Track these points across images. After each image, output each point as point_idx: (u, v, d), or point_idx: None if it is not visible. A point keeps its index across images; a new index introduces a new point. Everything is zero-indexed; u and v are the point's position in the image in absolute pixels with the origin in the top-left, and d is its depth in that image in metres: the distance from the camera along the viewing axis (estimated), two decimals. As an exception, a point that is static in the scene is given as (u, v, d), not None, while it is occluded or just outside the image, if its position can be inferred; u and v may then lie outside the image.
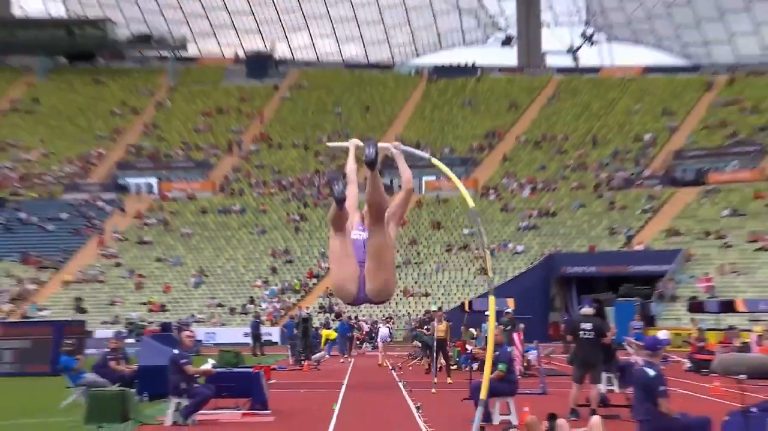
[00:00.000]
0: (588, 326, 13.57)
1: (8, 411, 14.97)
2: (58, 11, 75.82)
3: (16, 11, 75.92)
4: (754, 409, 8.36)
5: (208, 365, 15.02)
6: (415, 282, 47.42)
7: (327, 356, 30.41)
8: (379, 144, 6.33)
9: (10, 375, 23.74)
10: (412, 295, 46.32)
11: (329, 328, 34.66)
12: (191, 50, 73.61)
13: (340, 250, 6.34)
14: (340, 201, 6.25)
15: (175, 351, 13.68)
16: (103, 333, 36.55)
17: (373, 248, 6.28)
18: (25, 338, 25.21)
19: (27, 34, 71.36)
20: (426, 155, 7.00)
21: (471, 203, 6.73)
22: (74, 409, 14.53)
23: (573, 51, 72.19)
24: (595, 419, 9.63)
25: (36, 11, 76.12)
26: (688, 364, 23.90)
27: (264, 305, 46.58)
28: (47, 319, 37.85)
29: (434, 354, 20.83)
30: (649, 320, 37.19)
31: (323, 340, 32.36)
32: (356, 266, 6.32)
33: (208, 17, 75.31)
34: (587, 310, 14.53)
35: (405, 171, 6.59)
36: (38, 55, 70.38)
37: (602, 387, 14.16)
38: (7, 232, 54.25)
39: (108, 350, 17.37)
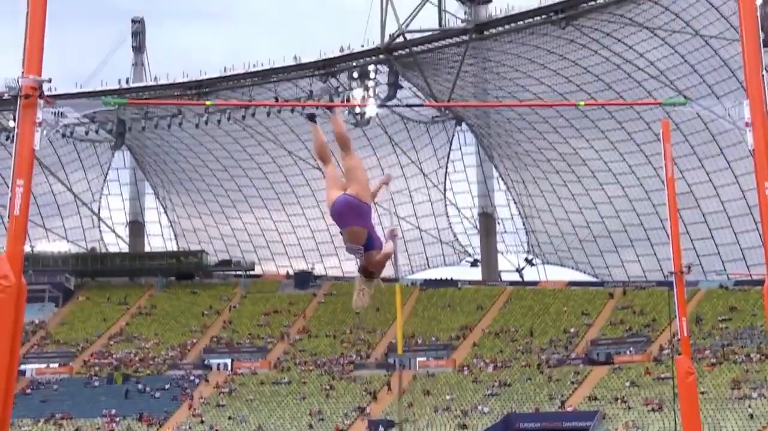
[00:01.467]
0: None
1: None
2: (173, 246, 77.24)
3: (146, 248, 77.45)
4: None
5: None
6: (412, 435, 45.90)
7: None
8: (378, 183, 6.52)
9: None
10: (410, 444, 44.72)
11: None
12: (257, 270, 74.16)
13: (331, 176, 6.16)
14: (311, 116, 6.18)
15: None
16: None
17: (346, 170, 6.14)
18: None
19: (152, 262, 72.79)
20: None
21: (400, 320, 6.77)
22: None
23: (519, 270, 72.53)
24: None
25: (158, 246, 77.57)
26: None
27: (304, 452, 44.92)
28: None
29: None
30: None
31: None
32: (343, 185, 6.07)
33: (269, 247, 76.40)
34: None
35: (388, 244, 6.10)
36: (158, 276, 71.25)
37: None
38: (129, 398, 53.20)
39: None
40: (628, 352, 51.84)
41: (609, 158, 61.49)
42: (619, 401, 44.28)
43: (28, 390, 54.09)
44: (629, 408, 43.01)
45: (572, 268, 70.23)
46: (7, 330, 5.50)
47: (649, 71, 53.35)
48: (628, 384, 46.37)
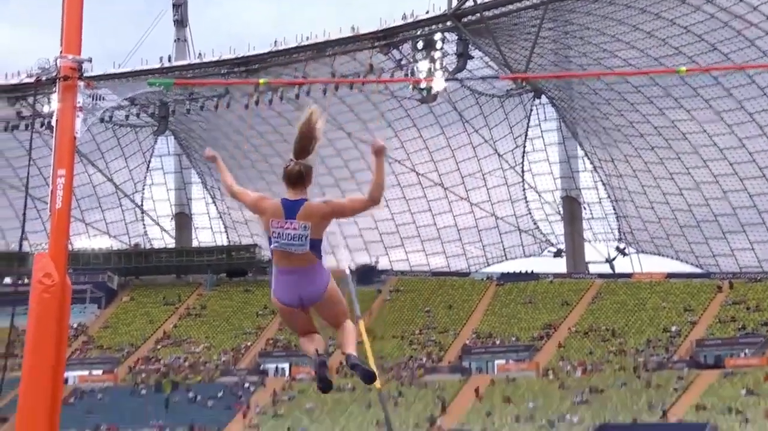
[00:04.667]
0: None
1: None
2: (223, 240, 78.54)
3: (194, 243, 78.98)
4: None
5: None
6: (492, 447, 45.78)
7: None
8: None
9: None
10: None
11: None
12: (315, 265, 74.72)
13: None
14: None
15: None
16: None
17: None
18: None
19: (201, 258, 74.45)
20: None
21: (378, 385, 6.03)
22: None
23: (610, 261, 71.39)
24: None
25: (207, 240, 79.06)
26: None
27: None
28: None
29: None
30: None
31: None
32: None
33: (327, 239, 76.85)
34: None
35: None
36: (207, 273, 72.73)
37: None
38: (179, 407, 54.58)
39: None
40: (742, 354, 50.51)
41: (714, 131, 59.78)
42: (734, 412, 43.11)
43: (71, 399, 55.92)
44: (746, 420, 41.83)
45: (672, 257, 68.71)
46: (52, 332, 5.64)
47: (764, 27, 51.52)
48: (743, 391, 45.14)
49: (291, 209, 4.85)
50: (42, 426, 5.65)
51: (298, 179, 4.84)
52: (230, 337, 64.75)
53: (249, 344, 63.51)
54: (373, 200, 4.77)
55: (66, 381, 57.18)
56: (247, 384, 57.29)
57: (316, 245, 4.92)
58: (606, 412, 46.45)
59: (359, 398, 54.07)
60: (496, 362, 56.82)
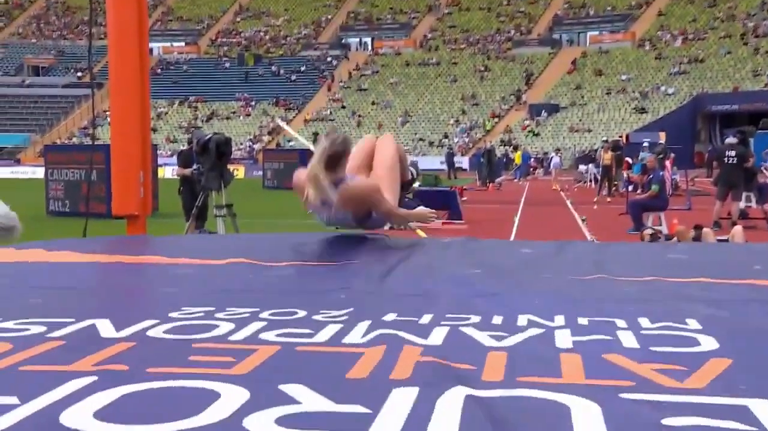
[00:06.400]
0: (732, 153, 12.99)
1: (272, 213, 15.91)
2: None
3: None
4: None
5: (414, 185, 15.37)
6: (579, 120, 46.28)
7: (516, 179, 30.62)
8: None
9: (270, 188, 25.37)
10: (576, 131, 45.33)
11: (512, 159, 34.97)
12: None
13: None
14: None
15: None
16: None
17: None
18: (280, 161, 26.62)
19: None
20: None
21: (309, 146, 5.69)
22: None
23: None
24: (737, 228, 9.34)
25: None
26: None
27: (456, 140, 46.74)
28: (293, 148, 39.02)
29: (600, 177, 20.92)
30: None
31: (515, 160, 33.37)
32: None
33: None
34: (732, 140, 13.92)
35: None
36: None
37: (742, 204, 13.65)
38: (263, 80, 56.20)
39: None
40: None
41: None
42: None
43: (158, 70, 57.95)
44: None
45: None
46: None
47: None
48: None
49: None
50: (134, 90, 5.88)
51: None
52: (309, 9, 64.49)
53: (330, 17, 63.27)
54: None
55: (150, 51, 58.85)
56: (329, 58, 58.04)
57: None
58: (705, 82, 45.75)
59: (443, 72, 54.43)
60: (589, 33, 55.50)
